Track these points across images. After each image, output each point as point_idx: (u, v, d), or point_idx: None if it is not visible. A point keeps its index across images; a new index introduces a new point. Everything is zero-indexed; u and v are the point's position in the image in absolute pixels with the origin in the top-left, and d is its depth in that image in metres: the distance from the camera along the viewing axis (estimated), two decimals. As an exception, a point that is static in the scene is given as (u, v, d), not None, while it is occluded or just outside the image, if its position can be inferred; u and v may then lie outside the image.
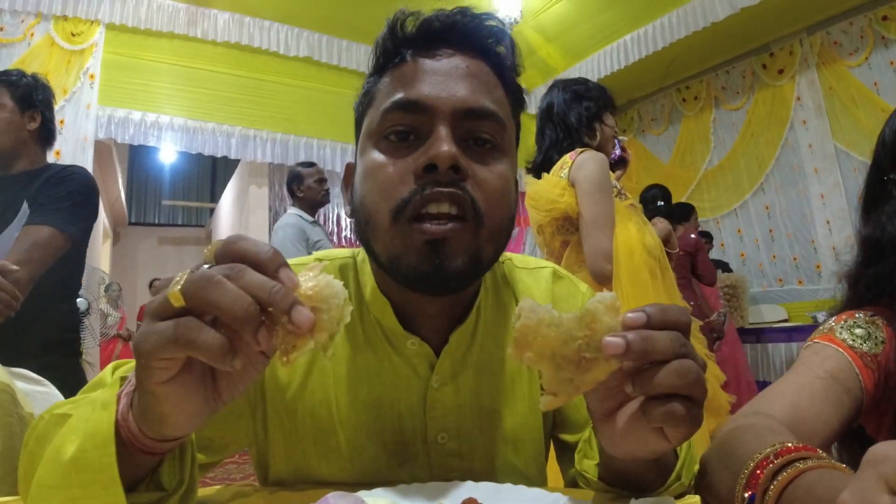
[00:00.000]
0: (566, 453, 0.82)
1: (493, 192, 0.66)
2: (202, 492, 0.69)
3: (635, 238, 1.94)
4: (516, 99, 0.74)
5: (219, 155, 5.42)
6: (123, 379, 0.52)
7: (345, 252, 0.81)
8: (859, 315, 0.82)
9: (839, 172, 5.34)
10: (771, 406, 0.72)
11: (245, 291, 0.40)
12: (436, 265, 0.62)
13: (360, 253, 0.78)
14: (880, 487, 0.29)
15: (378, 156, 0.67)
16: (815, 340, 0.82)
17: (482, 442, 0.76)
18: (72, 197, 1.72)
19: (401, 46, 0.70)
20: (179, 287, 0.40)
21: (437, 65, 0.68)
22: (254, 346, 0.41)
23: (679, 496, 0.63)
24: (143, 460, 0.49)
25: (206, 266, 0.42)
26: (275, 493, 0.70)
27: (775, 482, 0.47)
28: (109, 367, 0.62)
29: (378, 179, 0.65)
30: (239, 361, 0.41)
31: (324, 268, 0.45)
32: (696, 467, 0.63)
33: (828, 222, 5.41)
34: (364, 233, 0.69)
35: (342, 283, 0.44)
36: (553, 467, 0.84)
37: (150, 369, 0.42)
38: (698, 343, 2.20)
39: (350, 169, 0.76)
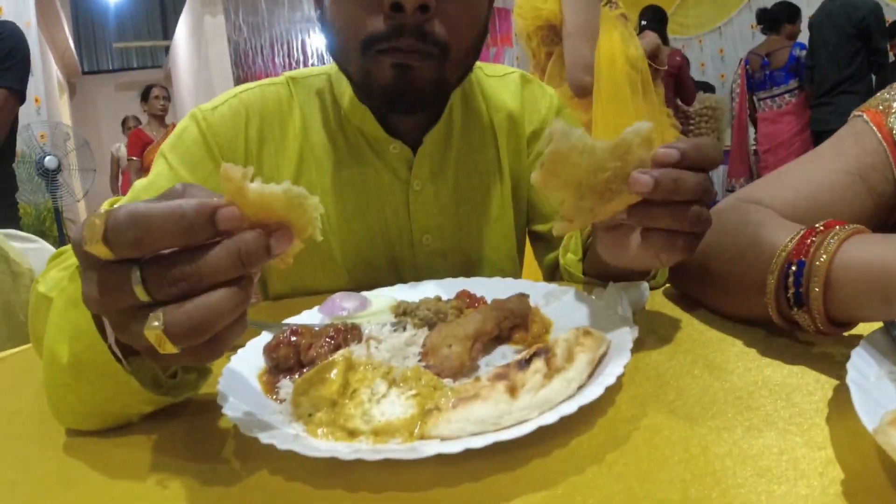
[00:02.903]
0: (540, 242, 0.90)
1: (459, 23, 0.66)
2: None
3: (618, 48, 1.88)
4: None
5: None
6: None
7: (318, 70, 0.82)
8: None
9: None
10: (774, 194, 0.64)
11: (223, 264, 0.33)
12: (403, 85, 0.66)
13: (334, 68, 0.78)
14: None
15: None
16: (863, 114, 0.67)
17: (462, 240, 0.82)
18: (14, 54, 1.62)
19: None
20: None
21: None
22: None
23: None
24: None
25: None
26: (279, 301, 0.76)
27: (830, 240, 0.45)
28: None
29: (348, 10, 0.66)
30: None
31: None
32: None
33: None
34: (336, 54, 0.71)
35: (288, 182, 0.36)
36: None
37: (149, 352, 0.34)
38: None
39: None
